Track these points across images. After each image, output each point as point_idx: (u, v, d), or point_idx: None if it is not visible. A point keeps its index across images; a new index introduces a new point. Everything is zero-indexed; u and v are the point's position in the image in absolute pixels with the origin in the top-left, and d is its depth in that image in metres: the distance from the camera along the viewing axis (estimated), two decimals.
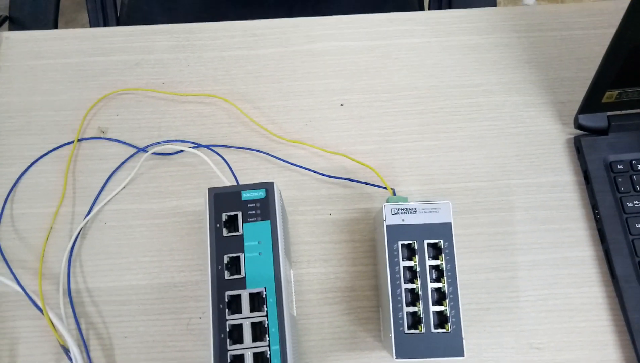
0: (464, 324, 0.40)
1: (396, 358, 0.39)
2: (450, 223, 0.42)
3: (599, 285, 0.49)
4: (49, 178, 0.55)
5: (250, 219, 0.39)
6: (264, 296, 0.37)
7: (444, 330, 0.40)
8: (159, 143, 0.55)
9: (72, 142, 0.56)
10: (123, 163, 0.55)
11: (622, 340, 0.48)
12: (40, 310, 0.49)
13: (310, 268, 0.51)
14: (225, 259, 0.38)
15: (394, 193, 0.49)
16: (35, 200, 0.54)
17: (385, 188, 0.51)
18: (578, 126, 0.53)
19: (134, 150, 0.56)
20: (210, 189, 0.40)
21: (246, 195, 0.40)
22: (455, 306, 0.40)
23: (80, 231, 0.52)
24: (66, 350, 0.48)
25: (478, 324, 0.49)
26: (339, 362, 0.48)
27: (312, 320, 0.49)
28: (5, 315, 0.50)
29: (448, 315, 0.40)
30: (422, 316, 0.40)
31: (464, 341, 0.40)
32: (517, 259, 0.51)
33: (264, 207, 0.39)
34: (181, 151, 0.55)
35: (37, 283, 0.50)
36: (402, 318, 0.40)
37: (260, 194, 0.40)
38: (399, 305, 0.40)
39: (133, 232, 0.53)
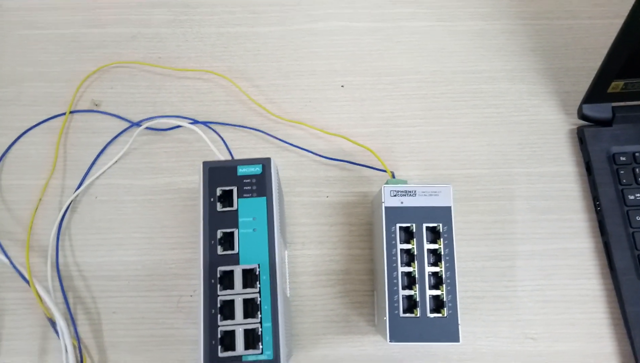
0: (459, 311, 0.39)
1: (390, 342, 0.38)
2: (450, 207, 0.41)
3: (597, 277, 0.49)
4: (40, 149, 0.54)
5: (246, 195, 0.38)
6: (257, 273, 0.36)
7: (439, 315, 0.39)
8: (153, 117, 0.54)
9: (64, 114, 0.55)
10: (116, 136, 0.54)
11: (618, 333, 0.47)
12: (27, 282, 0.48)
13: (305, 250, 0.50)
14: (219, 234, 0.37)
15: (393, 176, 0.48)
16: (25, 172, 0.53)
17: (384, 171, 0.50)
18: (582, 116, 0.52)
19: (128, 124, 0.54)
20: (205, 163, 0.39)
21: (242, 170, 0.39)
22: (452, 291, 0.39)
23: (70, 204, 0.51)
24: (53, 324, 0.47)
25: (473, 312, 0.48)
26: (332, 345, 0.47)
27: (305, 302, 0.48)
28: None
29: (445, 299, 0.39)
30: (418, 300, 0.39)
31: (459, 327, 0.39)
32: (516, 248, 0.50)
33: (260, 183, 0.38)
34: (176, 126, 0.54)
35: (25, 255, 0.49)
36: (397, 301, 0.39)
37: (256, 169, 0.39)
38: (395, 288, 0.39)
39: (124, 207, 0.52)
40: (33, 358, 0.47)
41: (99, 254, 0.50)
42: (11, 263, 0.49)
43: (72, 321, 0.48)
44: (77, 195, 0.52)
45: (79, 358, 0.46)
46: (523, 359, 0.47)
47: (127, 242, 0.50)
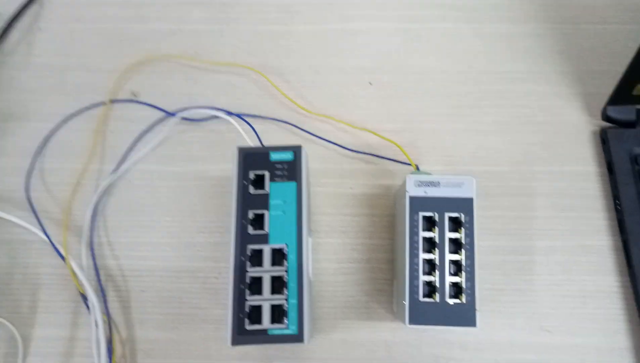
0: (478, 303, 0.40)
1: (409, 324, 0.40)
2: (473, 198, 0.42)
3: (615, 275, 0.49)
4: (80, 135, 0.56)
5: (277, 179, 0.40)
6: (285, 252, 0.38)
7: (458, 301, 0.40)
8: (189, 108, 0.57)
9: (105, 103, 0.58)
10: (152, 125, 0.57)
11: (634, 328, 0.48)
12: (63, 258, 0.50)
13: (328, 238, 0.52)
14: (250, 214, 0.39)
15: (418, 169, 0.50)
16: (65, 156, 0.56)
17: (409, 164, 0.51)
18: (606, 117, 0.53)
19: (164, 114, 0.57)
20: (240, 148, 0.41)
21: (274, 156, 0.41)
22: (471, 279, 0.40)
23: (106, 188, 0.54)
24: (85, 299, 0.49)
25: (491, 304, 0.49)
26: (350, 330, 0.49)
27: (326, 288, 0.50)
28: (29, 262, 0.52)
29: (463, 286, 0.40)
30: (437, 285, 0.41)
31: (477, 312, 0.40)
32: (535, 244, 0.51)
33: (291, 169, 0.40)
34: (210, 118, 0.56)
35: (62, 234, 0.51)
36: (417, 286, 0.41)
37: (288, 156, 0.41)
38: (416, 273, 0.41)
39: (157, 192, 0.54)
40: (65, 331, 0.49)
41: (130, 235, 0.52)
42: (49, 240, 0.51)
43: (103, 297, 0.50)
44: (113, 179, 0.54)
45: (108, 333, 0.49)
46: (538, 350, 0.48)
47: (158, 225, 0.53)
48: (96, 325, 0.48)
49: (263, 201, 0.39)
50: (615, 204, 0.51)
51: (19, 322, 0.50)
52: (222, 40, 0.61)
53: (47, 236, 0.51)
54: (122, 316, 0.50)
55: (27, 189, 0.54)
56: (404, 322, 0.40)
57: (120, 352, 0.49)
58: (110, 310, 0.50)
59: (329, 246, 0.52)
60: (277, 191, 0.40)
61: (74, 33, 0.61)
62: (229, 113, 0.56)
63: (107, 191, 0.54)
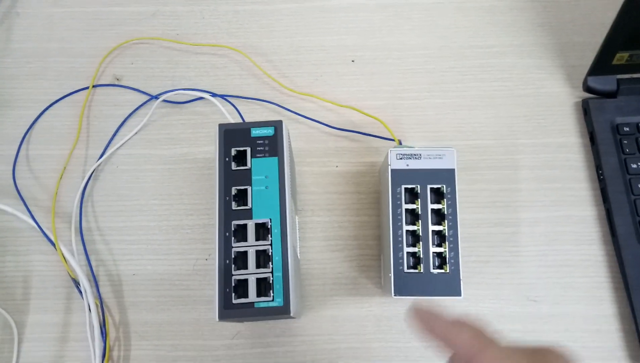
0: (463, 274, 0.41)
1: (394, 296, 0.40)
2: (454, 169, 0.42)
3: (599, 244, 0.50)
4: (64, 121, 0.56)
5: (259, 155, 0.40)
6: (269, 226, 0.38)
7: (442, 271, 0.41)
8: (172, 90, 0.56)
9: (88, 88, 0.57)
10: (136, 109, 0.56)
11: (619, 296, 0.49)
12: (53, 244, 0.50)
13: (314, 217, 0.52)
14: (233, 191, 0.39)
15: (400, 143, 0.50)
16: (50, 142, 0.56)
17: (392, 140, 0.51)
18: (587, 88, 0.53)
19: (147, 97, 0.57)
20: (220, 125, 0.41)
21: (255, 132, 0.41)
22: (454, 249, 0.41)
23: (92, 173, 0.54)
24: (77, 284, 0.49)
25: (477, 276, 0.50)
26: (340, 306, 0.49)
27: (314, 266, 0.51)
28: (20, 249, 0.52)
29: (447, 256, 0.41)
30: (421, 257, 0.41)
31: (461, 282, 0.41)
32: (520, 215, 0.51)
33: (272, 144, 0.40)
34: (193, 99, 0.56)
35: (50, 220, 0.51)
36: (402, 257, 0.41)
37: (269, 131, 0.41)
38: (400, 245, 0.41)
39: (144, 176, 0.54)
40: (59, 316, 0.50)
41: (119, 220, 0.53)
42: (39, 226, 0.51)
43: (94, 282, 0.50)
44: (99, 164, 0.54)
45: (101, 317, 0.49)
46: (525, 320, 0.49)
47: (147, 209, 0.53)
48: (89, 309, 0.48)
49: (245, 177, 0.40)
50: (598, 174, 0.51)
51: (12, 309, 0.50)
52: (203, 21, 0.60)
53: (37, 223, 0.51)
54: (114, 300, 0.50)
55: (14, 177, 0.54)
56: (390, 294, 0.41)
57: (114, 335, 0.49)
58: (103, 294, 0.50)
59: (316, 225, 0.52)
60: (259, 166, 0.40)
61: (53, 18, 0.61)
62: (214, 95, 0.56)
63: (94, 176, 0.54)
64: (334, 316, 0.49)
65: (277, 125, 0.41)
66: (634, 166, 0.50)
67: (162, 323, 0.49)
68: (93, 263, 0.51)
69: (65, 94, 0.57)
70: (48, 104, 0.57)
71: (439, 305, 0.29)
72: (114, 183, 0.54)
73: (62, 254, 0.50)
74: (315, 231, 0.52)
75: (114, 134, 0.56)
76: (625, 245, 0.48)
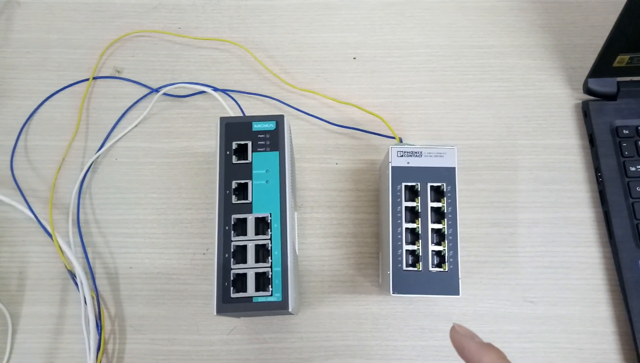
0: (462, 274, 0.41)
1: (393, 293, 0.40)
2: (455, 168, 0.42)
3: (596, 245, 0.50)
4: (64, 112, 0.56)
5: (260, 149, 0.40)
6: (269, 221, 0.38)
7: (441, 269, 0.41)
8: (173, 83, 0.56)
9: (88, 79, 0.57)
10: (136, 102, 0.56)
11: (615, 298, 0.49)
12: (50, 236, 0.50)
13: (314, 213, 0.52)
14: (234, 184, 0.39)
15: (401, 141, 0.50)
16: (49, 133, 0.55)
17: (393, 138, 0.51)
18: (587, 90, 0.53)
19: (148, 90, 0.57)
20: (222, 119, 0.41)
21: (257, 126, 0.41)
22: (453, 247, 0.41)
23: (91, 165, 0.53)
24: (73, 276, 0.49)
25: (475, 276, 0.50)
26: (338, 303, 0.49)
27: (313, 262, 0.51)
28: (16, 240, 0.52)
29: (446, 255, 0.41)
30: (420, 255, 0.41)
31: (460, 281, 0.41)
32: (518, 216, 0.51)
33: (273, 138, 0.40)
34: (193, 93, 0.56)
35: (48, 211, 0.51)
36: (401, 255, 0.41)
37: (270, 126, 0.41)
38: (399, 243, 0.41)
39: (143, 169, 0.54)
40: (54, 308, 0.49)
41: (117, 212, 0.52)
42: (36, 217, 0.51)
43: (91, 274, 0.50)
44: (98, 156, 0.54)
45: (97, 309, 0.49)
46: (522, 321, 0.49)
47: (145, 202, 0.53)
48: (85, 301, 0.48)
49: (246, 171, 0.39)
50: (597, 176, 0.51)
51: (7, 300, 0.50)
52: (205, 15, 0.60)
53: (34, 214, 0.51)
54: (110, 293, 0.50)
55: (11, 168, 0.53)
56: (388, 292, 0.41)
57: (110, 328, 0.49)
58: (99, 287, 0.50)
59: (315, 221, 0.52)
60: (260, 160, 0.40)
61: (54, 8, 0.60)
62: (215, 89, 0.55)
63: (92, 168, 0.54)
64: (332, 314, 0.49)
65: (279, 119, 0.41)
66: (633, 169, 0.50)
67: (158, 317, 0.49)
68: (90, 256, 0.51)
69: (65, 85, 0.57)
70: (48, 95, 0.57)
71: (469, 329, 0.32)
72: (112, 176, 0.54)
73: (59, 246, 0.49)
74: (314, 227, 0.52)
75: (114, 127, 0.55)
76: (622, 247, 0.48)
